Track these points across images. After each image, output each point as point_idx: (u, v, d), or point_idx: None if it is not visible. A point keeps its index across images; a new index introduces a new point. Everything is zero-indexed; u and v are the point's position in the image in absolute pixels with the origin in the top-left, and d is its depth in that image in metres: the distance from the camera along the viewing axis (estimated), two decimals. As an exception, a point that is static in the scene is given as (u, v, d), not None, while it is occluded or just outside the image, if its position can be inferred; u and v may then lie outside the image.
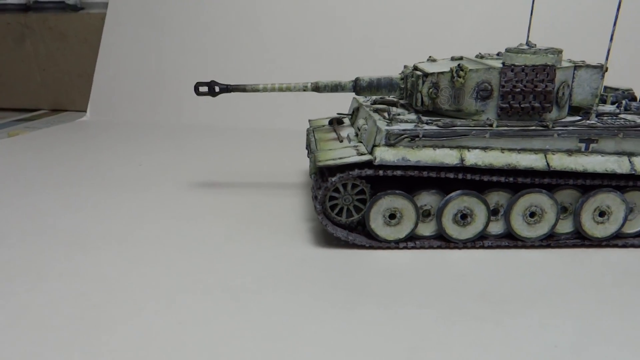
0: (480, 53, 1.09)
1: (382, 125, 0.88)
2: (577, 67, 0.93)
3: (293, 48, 1.96)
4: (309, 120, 1.24)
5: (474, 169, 0.87)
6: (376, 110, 0.99)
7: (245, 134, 1.79)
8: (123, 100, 2.12)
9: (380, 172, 0.86)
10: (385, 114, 0.92)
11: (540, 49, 0.91)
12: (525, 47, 0.94)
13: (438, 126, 0.87)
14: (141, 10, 2.13)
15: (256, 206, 1.12)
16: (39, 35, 2.36)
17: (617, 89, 1.13)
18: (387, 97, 1.11)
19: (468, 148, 0.87)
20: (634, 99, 1.09)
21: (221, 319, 0.71)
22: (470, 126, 0.87)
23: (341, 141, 0.99)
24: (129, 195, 1.19)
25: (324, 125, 1.16)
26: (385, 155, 0.85)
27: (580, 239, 0.92)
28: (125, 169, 1.40)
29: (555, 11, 1.73)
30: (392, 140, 0.86)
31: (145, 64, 2.12)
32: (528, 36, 1.03)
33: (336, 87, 1.05)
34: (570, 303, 0.75)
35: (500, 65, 0.88)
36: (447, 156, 0.86)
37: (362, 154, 0.87)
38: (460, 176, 0.86)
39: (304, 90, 1.06)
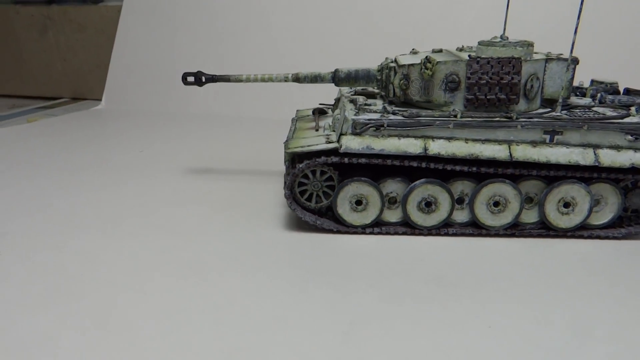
0: (462, 45, 1.11)
1: (350, 114, 0.91)
2: (548, 59, 0.94)
3: (300, 40, 2.00)
4: (297, 111, 1.28)
5: (438, 158, 0.89)
6: (352, 101, 1.02)
7: (247, 123, 1.85)
8: (136, 89, 2.21)
9: (346, 160, 0.89)
10: (352, 104, 0.96)
11: (510, 42, 0.93)
12: (497, 40, 0.95)
13: (403, 116, 0.90)
14: (155, 3, 2.20)
15: (239, 191, 1.17)
16: (60, 27, 2.47)
17: (602, 82, 1.13)
18: (369, 89, 1.15)
19: (433, 138, 0.90)
20: (616, 92, 1.09)
21: (180, 292, 0.76)
22: (435, 117, 0.90)
23: (317, 130, 1.03)
24: (124, 179, 1.26)
25: (308, 115, 1.20)
26: (351, 143, 0.89)
27: (546, 229, 0.94)
28: (128, 155, 1.47)
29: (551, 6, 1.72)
30: (358, 129, 0.89)
31: (158, 56, 2.19)
32: (504, 30, 1.05)
33: (316, 78, 1.09)
34: (517, 289, 0.77)
35: (467, 58, 0.90)
36: (411, 145, 0.89)
37: (330, 142, 0.91)
38: (423, 165, 0.89)
39: (285, 81, 1.10)
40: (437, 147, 0.89)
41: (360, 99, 0.96)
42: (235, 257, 0.87)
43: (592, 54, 1.67)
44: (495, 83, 0.89)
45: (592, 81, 1.15)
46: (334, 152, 0.90)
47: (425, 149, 0.88)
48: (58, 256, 0.87)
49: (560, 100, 0.90)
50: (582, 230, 0.93)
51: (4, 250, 0.89)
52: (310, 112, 1.20)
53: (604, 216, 0.94)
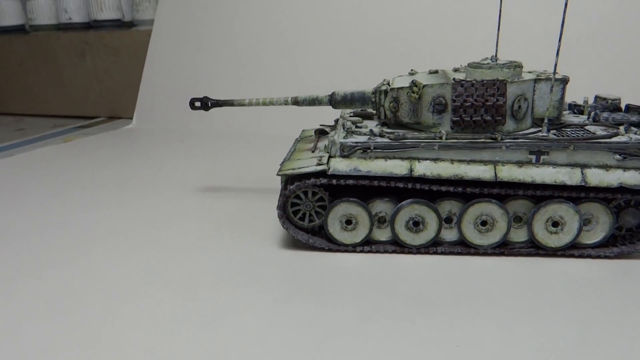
0: (460, 65, 1.13)
1: (338, 138, 0.95)
2: (537, 80, 0.95)
3: (318, 62, 2.06)
4: (302, 130, 1.32)
5: (424, 179, 0.92)
6: (345, 123, 1.06)
7: (266, 140, 1.90)
8: (164, 109, 2.31)
9: (334, 181, 0.93)
10: (342, 127, 0.99)
11: (496, 64, 0.94)
12: (487, 61, 0.97)
13: (390, 139, 0.93)
14: (182, 28, 2.32)
15: (243, 209, 1.22)
16: (96, 51, 2.62)
17: (605, 99, 1.12)
18: (367, 110, 1.18)
19: (419, 159, 0.92)
20: (617, 109, 1.08)
21: (171, 307, 0.82)
22: (421, 138, 0.92)
23: (313, 152, 1.07)
24: (140, 197, 1.34)
25: (310, 135, 1.24)
26: (339, 165, 0.93)
27: (535, 248, 0.94)
28: (148, 173, 1.56)
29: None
30: (346, 152, 0.93)
31: (184, 77, 2.30)
32: (496, 52, 1.06)
33: (314, 101, 1.13)
34: (495, 308, 0.78)
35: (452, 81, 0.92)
36: (397, 167, 0.92)
37: (320, 164, 0.95)
38: (409, 186, 0.92)
39: (285, 104, 1.15)
40: (423, 168, 0.91)
41: (349, 123, 0.99)
42: (228, 274, 0.92)
43: (604, 69, 1.65)
44: (481, 105, 0.91)
45: (596, 97, 1.15)
46: (323, 174, 0.94)
47: (411, 170, 0.91)
48: (65, 272, 0.94)
49: (546, 120, 0.91)
50: (573, 250, 0.93)
51: (18, 266, 0.97)
52: (313, 132, 1.25)
53: (595, 235, 0.93)
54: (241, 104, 1.17)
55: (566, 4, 0.86)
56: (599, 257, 0.93)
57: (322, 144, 1.13)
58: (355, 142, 0.93)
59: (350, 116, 1.14)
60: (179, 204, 1.28)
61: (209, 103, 1.19)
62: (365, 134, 0.96)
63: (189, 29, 2.28)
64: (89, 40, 2.61)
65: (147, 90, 2.36)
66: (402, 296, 0.82)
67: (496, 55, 1.05)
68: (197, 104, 1.19)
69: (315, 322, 0.76)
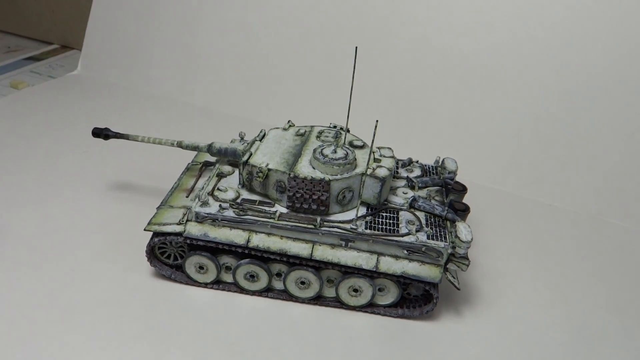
0: (330, 124, 1.32)
1: (194, 206, 1.17)
2: (364, 174, 1.15)
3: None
4: (197, 153, 1.51)
5: (257, 249, 1.16)
6: (219, 175, 1.27)
7: (225, 121, 2.02)
8: (112, 59, 2.39)
9: (187, 241, 1.17)
10: (199, 197, 1.20)
11: (331, 160, 1.14)
12: (328, 152, 1.16)
13: (235, 214, 1.16)
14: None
15: (143, 218, 1.39)
16: (45, -19, 2.62)
17: (444, 168, 1.34)
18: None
19: (257, 232, 1.16)
20: (445, 186, 1.30)
21: (18, 330, 1.09)
22: (259, 217, 1.15)
23: (187, 196, 1.29)
24: (46, 193, 1.52)
25: (202, 165, 1.43)
26: (192, 230, 1.16)
27: (341, 304, 1.23)
28: (72, 155, 1.73)
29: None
30: (200, 219, 1.16)
31: (134, 24, 2.35)
32: (347, 123, 1.24)
33: (195, 148, 1.33)
34: (278, 353, 1.09)
35: (287, 174, 1.12)
36: (237, 236, 1.16)
37: (180, 223, 1.18)
38: (247, 251, 1.17)
39: (172, 146, 1.34)
40: (257, 240, 1.15)
41: (203, 196, 1.20)
42: (86, 296, 1.18)
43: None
44: (308, 197, 1.13)
45: (443, 162, 1.36)
46: (179, 232, 1.18)
47: (248, 241, 1.15)
48: None
49: (356, 216, 1.14)
50: (368, 307, 1.22)
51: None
52: (202, 163, 1.44)
53: (387, 299, 1.21)
54: (134, 139, 1.35)
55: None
56: (385, 315, 1.22)
57: (202, 181, 1.34)
58: (207, 213, 1.15)
59: (227, 162, 1.35)
60: (81, 206, 1.47)
61: (109, 134, 1.37)
62: (221, 200, 1.17)
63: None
64: (38, -33, 2.60)
65: (94, 37, 2.43)
66: (192, 330, 1.12)
67: (347, 126, 1.24)
68: (99, 133, 1.37)
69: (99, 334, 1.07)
